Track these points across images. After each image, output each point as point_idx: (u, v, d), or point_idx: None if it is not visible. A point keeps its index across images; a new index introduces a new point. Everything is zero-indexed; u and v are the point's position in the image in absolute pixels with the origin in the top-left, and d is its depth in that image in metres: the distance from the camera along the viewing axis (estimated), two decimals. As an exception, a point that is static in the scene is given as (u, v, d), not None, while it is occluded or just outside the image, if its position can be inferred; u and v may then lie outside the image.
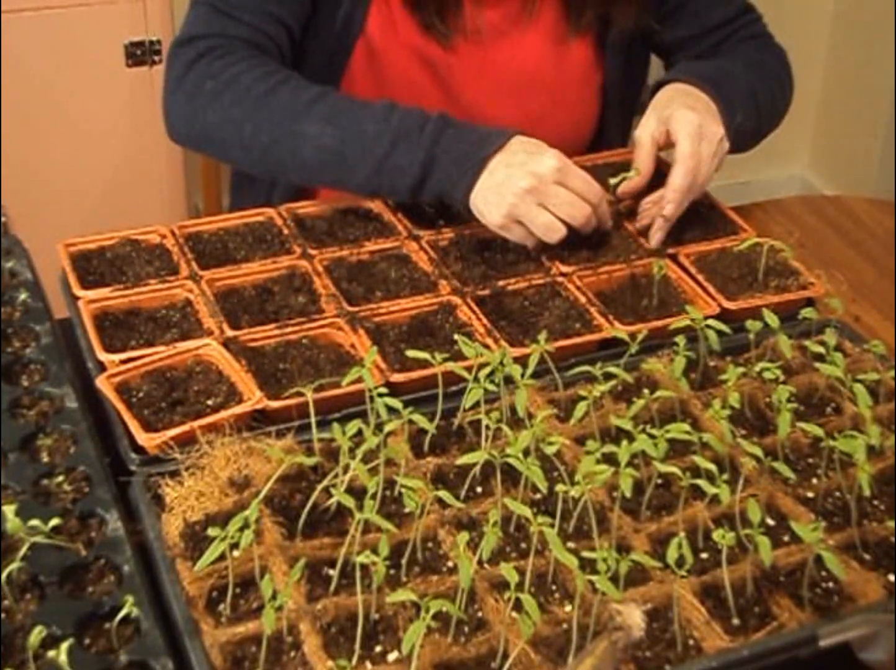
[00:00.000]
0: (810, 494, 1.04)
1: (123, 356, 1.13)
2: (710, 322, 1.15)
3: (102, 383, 1.09)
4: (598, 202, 1.31)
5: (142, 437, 1.03)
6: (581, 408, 1.05)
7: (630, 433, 1.01)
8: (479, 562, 0.93)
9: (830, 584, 0.96)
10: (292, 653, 0.88)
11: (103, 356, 1.13)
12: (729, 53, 1.58)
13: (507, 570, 0.87)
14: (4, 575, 0.88)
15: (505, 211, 1.27)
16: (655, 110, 1.39)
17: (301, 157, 1.36)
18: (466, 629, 0.90)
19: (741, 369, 1.11)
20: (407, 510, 0.98)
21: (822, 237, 1.60)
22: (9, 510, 0.92)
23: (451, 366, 1.08)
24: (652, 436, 0.99)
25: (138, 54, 2.41)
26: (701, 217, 1.41)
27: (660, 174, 1.38)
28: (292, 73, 1.42)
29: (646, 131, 1.38)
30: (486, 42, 1.52)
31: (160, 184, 2.56)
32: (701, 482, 0.96)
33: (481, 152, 1.30)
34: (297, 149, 1.36)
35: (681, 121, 1.35)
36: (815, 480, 1.06)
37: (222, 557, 0.90)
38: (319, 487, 0.98)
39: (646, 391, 1.08)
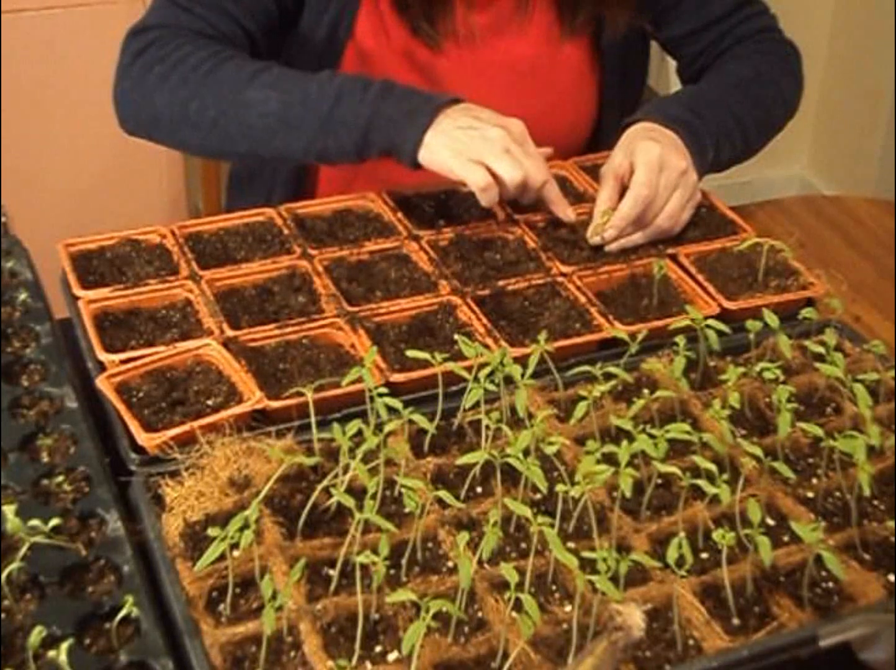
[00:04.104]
0: (810, 494, 1.04)
1: (123, 356, 1.13)
2: (710, 322, 1.15)
3: (102, 383, 1.09)
4: (547, 177, 1.34)
5: (142, 437, 1.03)
6: (581, 408, 1.05)
7: (630, 433, 1.00)
8: (479, 562, 0.93)
9: (830, 584, 0.96)
10: (292, 653, 0.88)
11: (103, 356, 1.13)
12: (723, 63, 1.57)
13: (507, 570, 0.87)
14: (4, 575, 0.88)
15: (474, 148, 1.29)
16: (621, 147, 1.38)
17: (248, 125, 1.37)
18: (466, 629, 0.90)
19: (741, 369, 1.11)
20: (407, 510, 0.97)
21: (822, 237, 1.59)
22: (9, 510, 0.92)
23: (451, 366, 1.08)
24: (652, 436, 0.99)
25: (138, 54, 2.41)
26: (701, 217, 1.41)
27: None
28: (238, 52, 1.42)
29: (609, 167, 1.37)
30: (479, 45, 1.52)
31: (160, 184, 2.56)
32: (701, 482, 0.96)
33: (430, 105, 1.33)
34: (244, 118, 1.36)
35: (641, 150, 1.34)
36: (815, 480, 1.06)
37: (222, 557, 0.90)
38: (319, 487, 0.98)
39: (646, 391, 1.08)
